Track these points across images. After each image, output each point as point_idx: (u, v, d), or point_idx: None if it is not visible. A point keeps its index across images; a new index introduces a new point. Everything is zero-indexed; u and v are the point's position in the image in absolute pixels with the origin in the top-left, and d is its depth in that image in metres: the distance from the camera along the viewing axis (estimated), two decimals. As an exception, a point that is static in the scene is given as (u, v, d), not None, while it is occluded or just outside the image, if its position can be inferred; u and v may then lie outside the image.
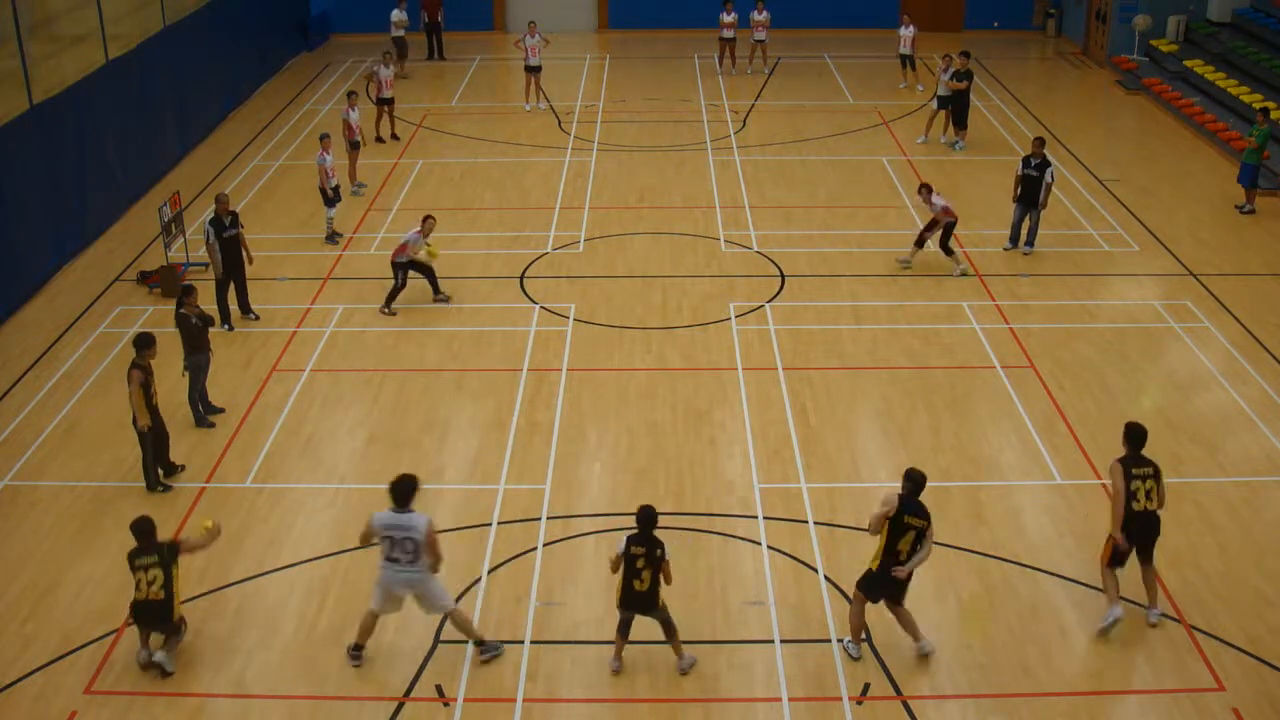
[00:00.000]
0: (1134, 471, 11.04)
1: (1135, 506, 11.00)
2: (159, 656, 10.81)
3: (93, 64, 21.12)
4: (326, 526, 12.91)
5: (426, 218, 17.70)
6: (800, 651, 11.02)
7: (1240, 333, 17.01)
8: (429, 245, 17.52)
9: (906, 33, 28.69)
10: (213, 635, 11.30)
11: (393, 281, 17.52)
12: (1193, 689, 10.56)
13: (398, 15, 30.48)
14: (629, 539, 10.35)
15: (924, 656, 10.87)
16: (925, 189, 18.74)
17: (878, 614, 11.06)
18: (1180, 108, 26.86)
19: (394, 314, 17.51)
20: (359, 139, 22.33)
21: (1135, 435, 11.21)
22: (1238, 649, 11.03)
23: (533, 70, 27.94)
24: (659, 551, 10.30)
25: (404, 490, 10.47)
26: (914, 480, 10.58)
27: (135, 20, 23.29)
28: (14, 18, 18.53)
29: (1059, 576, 12.00)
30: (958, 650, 11.02)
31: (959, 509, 13.00)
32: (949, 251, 18.80)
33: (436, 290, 17.95)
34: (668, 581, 10.49)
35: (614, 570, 10.52)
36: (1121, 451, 11.23)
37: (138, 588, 10.70)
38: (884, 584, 10.66)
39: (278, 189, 22.93)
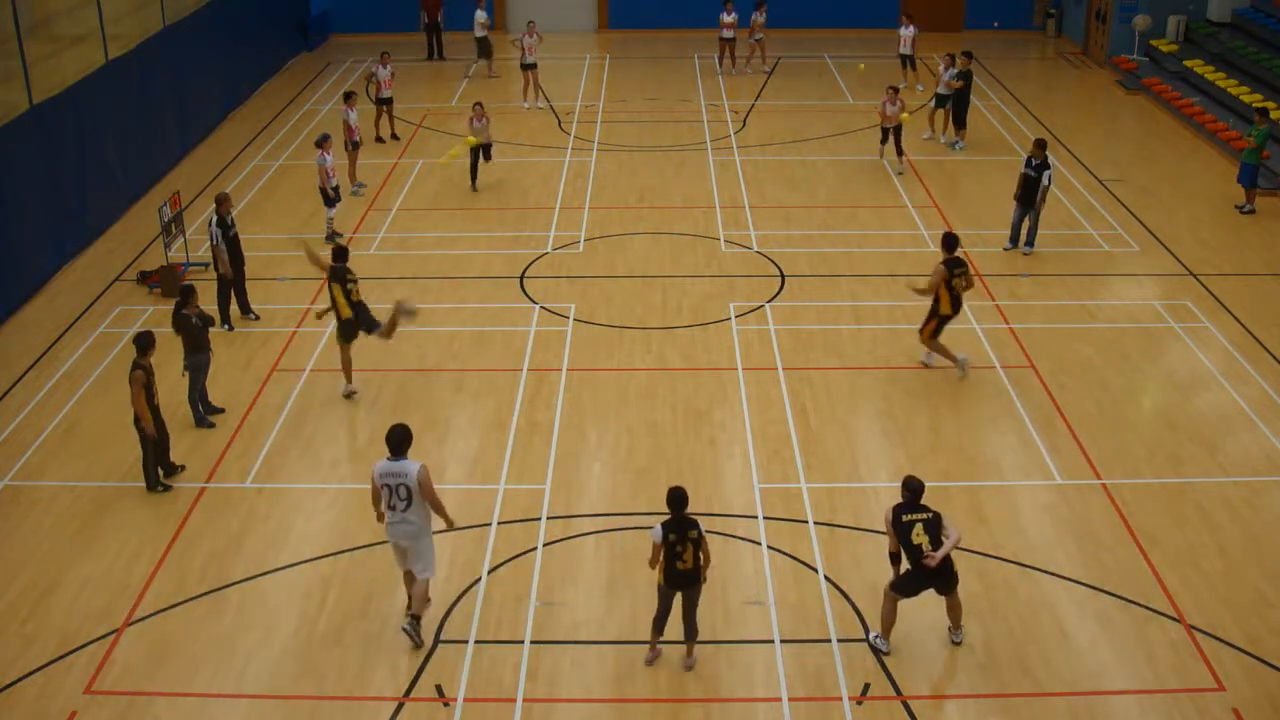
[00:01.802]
0: (955, 271, 15.16)
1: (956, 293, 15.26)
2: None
3: (93, 64, 21.12)
4: (326, 526, 12.92)
5: (476, 104, 22.37)
6: (800, 651, 11.03)
7: (1240, 333, 17.01)
8: (470, 139, 22.17)
9: (906, 33, 28.65)
10: (213, 635, 11.31)
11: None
12: (1193, 689, 10.57)
13: (481, 16, 30.54)
14: (664, 526, 10.33)
15: (955, 645, 10.98)
16: (893, 90, 22.97)
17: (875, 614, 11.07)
18: (1180, 108, 26.87)
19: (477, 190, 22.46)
20: (358, 139, 22.35)
21: (951, 240, 15.73)
22: (1238, 649, 11.04)
23: (529, 68, 28.02)
24: (695, 532, 10.32)
25: (397, 439, 10.78)
26: (911, 489, 10.63)
27: (135, 20, 23.29)
28: (14, 18, 18.53)
29: (1059, 576, 12.01)
30: (958, 650, 11.02)
31: (959, 509, 12.99)
32: (900, 152, 23.34)
33: (473, 180, 22.66)
34: (707, 559, 10.46)
35: (653, 564, 10.48)
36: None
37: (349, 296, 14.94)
38: (923, 579, 10.63)
39: (278, 189, 22.94)
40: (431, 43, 32.41)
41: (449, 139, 25.80)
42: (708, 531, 12.60)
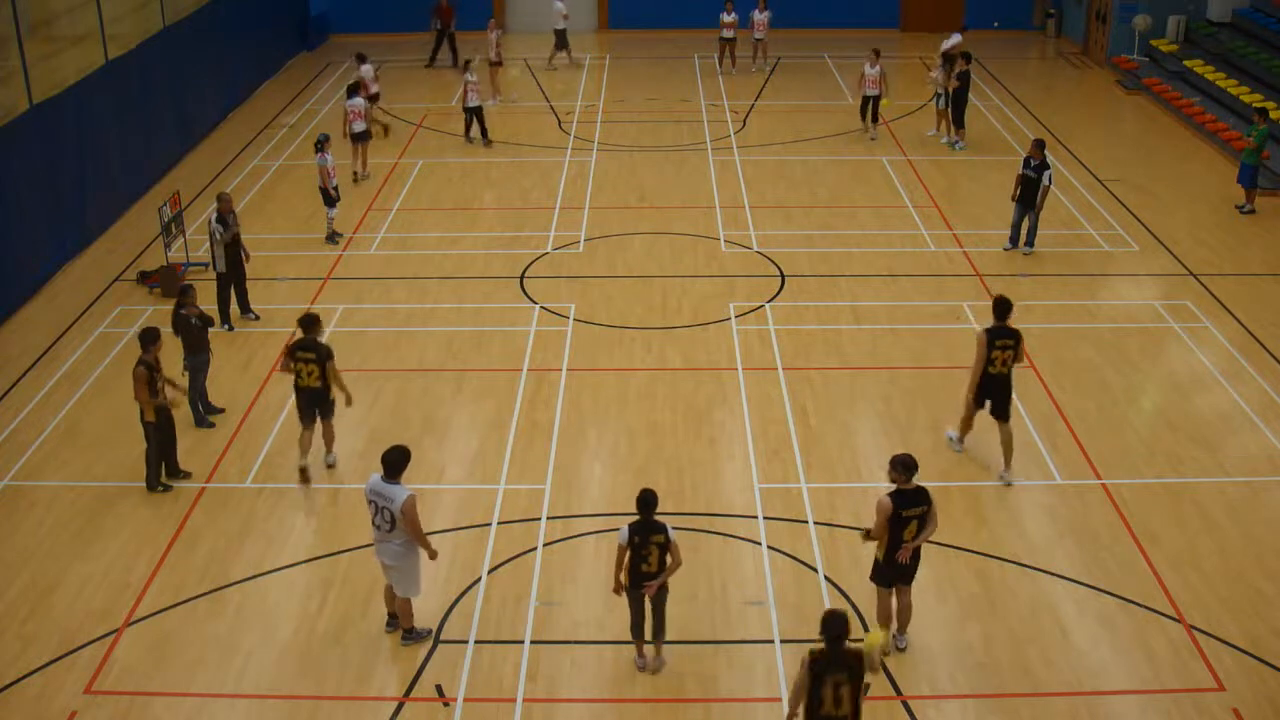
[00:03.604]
0: (996, 343, 13.16)
1: (991, 370, 13.25)
2: (328, 458, 13.75)
3: (93, 64, 21.11)
4: (326, 526, 12.92)
5: (465, 60, 25.44)
6: (800, 651, 10.95)
7: (1240, 333, 17.01)
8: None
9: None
10: (213, 635, 11.31)
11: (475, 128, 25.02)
12: (1193, 689, 10.57)
13: (560, 7, 30.86)
14: (630, 527, 10.30)
15: (897, 649, 10.97)
16: (875, 53, 24.68)
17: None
18: (1180, 108, 26.86)
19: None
20: (358, 130, 22.37)
21: (1001, 306, 13.37)
22: (1238, 649, 11.04)
23: (496, 65, 28.47)
24: (661, 537, 10.26)
25: (393, 460, 10.56)
26: (906, 467, 10.56)
27: (135, 20, 23.29)
28: (14, 18, 18.53)
29: (1059, 576, 12.01)
30: (958, 650, 11.03)
31: (959, 509, 13.00)
32: (875, 119, 25.32)
33: (484, 136, 25.17)
34: (676, 561, 10.38)
35: (617, 565, 10.40)
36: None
37: (299, 376, 13.16)
38: (895, 569, 10.67)
39: (278, 189, 22.94)
40: (437, 48, 32.30)
41: (449, 139, 25.82)
42: (707, 531, 12.67)
